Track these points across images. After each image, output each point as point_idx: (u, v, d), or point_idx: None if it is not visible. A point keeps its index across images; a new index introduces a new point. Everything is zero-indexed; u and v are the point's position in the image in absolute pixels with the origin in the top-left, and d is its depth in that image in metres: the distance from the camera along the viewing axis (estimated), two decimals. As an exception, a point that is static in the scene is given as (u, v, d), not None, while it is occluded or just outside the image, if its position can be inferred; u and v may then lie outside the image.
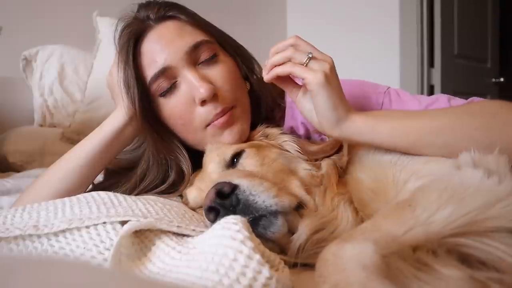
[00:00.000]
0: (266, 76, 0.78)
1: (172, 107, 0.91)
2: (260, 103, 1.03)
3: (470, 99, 0.89)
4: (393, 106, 0.95)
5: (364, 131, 0.74)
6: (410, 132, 0.72)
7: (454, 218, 0.52)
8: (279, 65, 0.77)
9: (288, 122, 1.04)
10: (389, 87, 0.99)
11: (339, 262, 0.48)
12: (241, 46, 1.05)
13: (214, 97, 0.89)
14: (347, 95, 0.78)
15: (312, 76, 0.72)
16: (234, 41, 1.04)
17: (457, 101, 0.92)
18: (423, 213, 0.54)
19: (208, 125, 0.91)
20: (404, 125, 0.73)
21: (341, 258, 0.48)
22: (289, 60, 0.76)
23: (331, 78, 0.74)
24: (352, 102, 0.80)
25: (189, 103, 0.90)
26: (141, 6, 0.96)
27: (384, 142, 0.74)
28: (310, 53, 0.74)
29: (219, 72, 0.92)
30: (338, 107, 0.74)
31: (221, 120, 0.90)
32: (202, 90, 0.86)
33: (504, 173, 0.58)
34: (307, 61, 0.74)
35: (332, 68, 0.75)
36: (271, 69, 0.78)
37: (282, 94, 1.06)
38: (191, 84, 0.88)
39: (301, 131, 1.02)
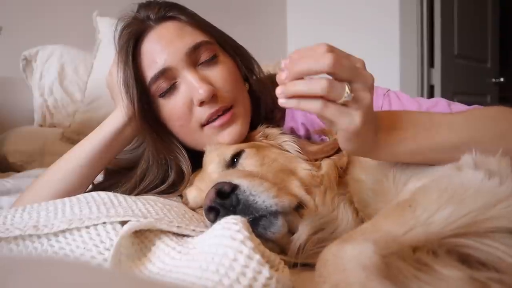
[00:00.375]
0: (287, 104, 0.57)
1: (172, 108, 0.91)
2: (260, 104, 1.03)
3: (472, 107, 0.85)
4: (392, 108, 0.94)
5: (383, 155, 0.67)
6: (431, 153, 0.66)
7: (454, 218, 0.52)
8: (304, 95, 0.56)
9: (288, 123, 1.04)
10: (388, 90, 0.99)
11: (339, 262, 0.48)
12: (241, 46, 1.05)
13: (213, 98, 0.89)
14: None
15: (347, 124, 0.57)
16: (234, 41, 1.04)
17: (457, 105, 0.91)
18: (423, 214, 0.54)
19: (204, 124, 0.91)
20: (426, 145, 0.65)
21: (341, 259, 0.48)
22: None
23: (369, 117, 0.59)
24: None
25: (188, 104, 0.90)
26: (141, 6, 0.96)
27: (403, 161, 0.70)
28: (350, 93, 0.55)
29: (219, 73, 0.92)
30: (367, 150, 0.64)
31: (222, 119, 0.89)
32: (202, 91, 0.86)
33: (505, 174, 0.58)
34: (344, 100, 0.56)
35: (371, 104, 0.59)
36: (292, 97, 0.56)
37: (282, 94, 1.05)
38: (191, 85, 0.88)
39: (301, 132, 1.02)
